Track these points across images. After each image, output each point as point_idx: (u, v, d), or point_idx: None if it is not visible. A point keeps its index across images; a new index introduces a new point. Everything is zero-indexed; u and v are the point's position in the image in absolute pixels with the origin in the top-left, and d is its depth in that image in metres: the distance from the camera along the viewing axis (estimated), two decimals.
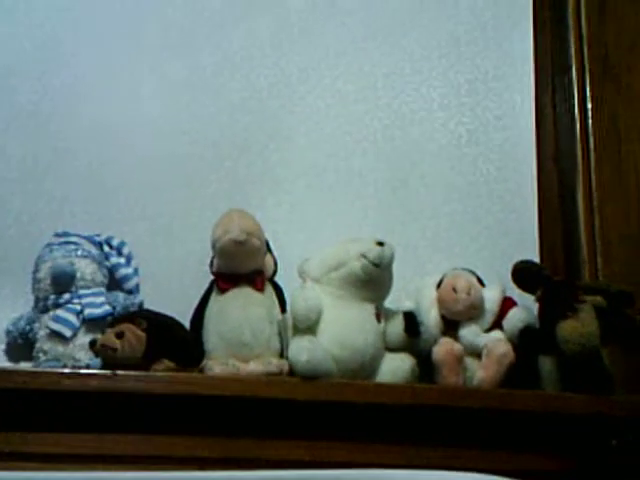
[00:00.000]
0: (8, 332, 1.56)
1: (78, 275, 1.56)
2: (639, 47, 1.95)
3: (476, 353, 1.54)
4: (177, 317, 1.54)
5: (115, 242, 1.65)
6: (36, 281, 1.57)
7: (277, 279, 1.61)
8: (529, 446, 1.50)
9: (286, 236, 1.73)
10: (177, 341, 1.50)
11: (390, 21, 1.95)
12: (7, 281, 1.64)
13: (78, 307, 1.54)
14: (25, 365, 1.53)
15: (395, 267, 1.57)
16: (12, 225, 1.70)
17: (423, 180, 1.86)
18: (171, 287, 1.68)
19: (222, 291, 1.54)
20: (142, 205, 1.75)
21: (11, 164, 1.75)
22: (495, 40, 1.98)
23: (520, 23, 2.00)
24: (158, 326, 1.48)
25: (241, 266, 1.54)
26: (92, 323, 1.54)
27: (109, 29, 1.87)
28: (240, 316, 1.51)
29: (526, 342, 1.54)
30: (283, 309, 1.57)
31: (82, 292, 1.56)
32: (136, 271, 1.65)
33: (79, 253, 1.59)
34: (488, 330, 1.57)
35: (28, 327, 1.55)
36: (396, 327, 1.55)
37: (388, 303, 1.60)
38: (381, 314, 1.56)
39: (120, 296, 1.59)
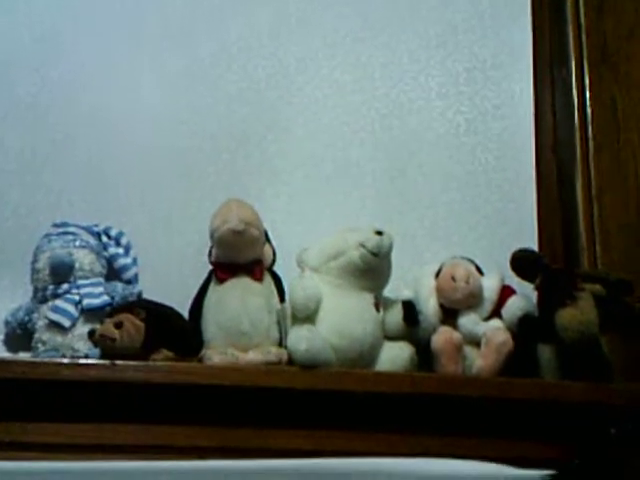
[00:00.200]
0: (7, 323, 1.56)
1: (77, 265, 1.56)
2: (637, 36, 1.94)
3: (475, 342, 1.54)
4: (176, 307, 1.54)
5: (113, 232, 1.65)
6: (35, 272, 1.57)
7: (276, 269, 1.61)
8: (528, 434, 1.50)
9: (285, 226, 1.73)
10: (176, 331, 1.50)
11: (388, 11, 1.95)
12: (6, 272, 1.64)
13: (77, 297, 1.54)
14: (24, 355, 1.53)
15: (394, 256, 1.57)
16: (10, 216, 1.70)
17: (421, 169, 1.86)
18: (170, 277, 1.68)
19: (221, 281, 1.54)
20: (140, 195, 1.75)
21: (9, 156, 1.75)
22: (493, 29, 1.98)
23: (518, 11, 2.00)
24: (157, 316, 1.48)
25: (240, 256, 1.53)
26: (91, 313, 1.54)
27: (108, 21, 1.87)
28: (239, 306, 1.51)
29: (525, 330, 1.54)
30: (282, 299, 1.57)
31: (81, 282, 1.56)
32: (135, 261, 1.65)
33: (77, 243, 1.59)
34: (487, 319, 1.57)
35: (27, 317, 1.55)
36: (395, 316, 1.55)
37: (387, 292, 1.60)
38: (380, 303, 1.56)
39: (119, 286, 1.59)
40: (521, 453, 1.48)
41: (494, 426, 1.49)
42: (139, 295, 1.61)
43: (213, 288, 1.55)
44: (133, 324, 1.45)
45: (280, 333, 1.53)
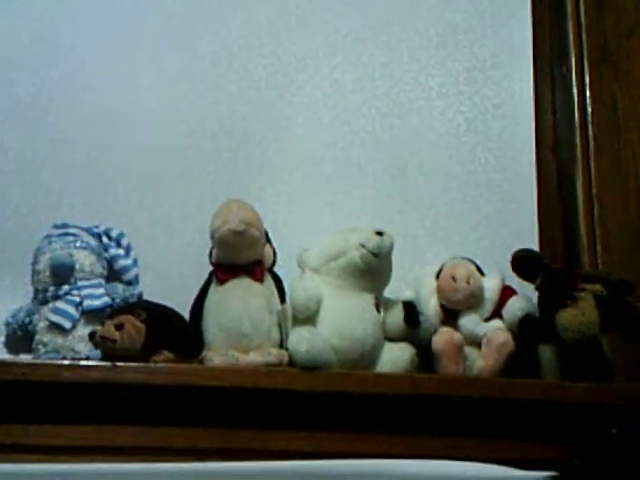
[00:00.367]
0: (7, 324, 1.56)
1: (77, 267, 1.56)
2: (638, 34, 1.94)
3: (476, 342, 1.54)
4: (176, 308, 1.53)
5: (114, 233, 1.65)
6: (35, 273, 1.57)
7: (276, 269, 1.60)
8: (529, 435, 1.50)
9: (285, 226, 1.73)
10: (176, 332, 1.50)
11: (388, 10, 1.95)
12: (6, 273, 1.64)
13: (77, 299, 1.54)
14: (25, 357, 1.53)
15: (394, 257, 1.57)
16: (11, 217, 1.70)
17: (422, 169, 1.86)
18: (170, 278, 1.68)
19: (221, 282, 1.54)
20: (141, 196, 1.75)
21: (9, 156, 1.75)
22: (493, 28, 1.98)
23: (518, 11, 1.99)
24: (157, 317, 1.48)
25: (240, 256, 1.53)
26: (91, 315, 1.54)
27: (107, 21, 1.87)
28: (239, 307, 1.51)
29: (526, 331, 1.54)
30: (282, 299, 1.56)
31: (81, 284, 1.56)
32: (135, 262, 1.65)
33: (78, 245, 1.59)
34: (488, 319, 1.57)
35: (27, 319, 1.55)
36: (395, 317, 1.55)
37: (387, 293, 1.60)
38: (380, 304, 1.56)
39: (119, 287, 1.59)
40: (522, 454, 1.48)
41: (495, 427, 1.49)
42: (140, 296, 1.61)
43: (214, 289, 1.55)
44: (134, 325, 1.44)
45: (281, 334, 1.53)
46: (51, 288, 1.55)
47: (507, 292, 1.59)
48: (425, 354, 1.54)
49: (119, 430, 1.41)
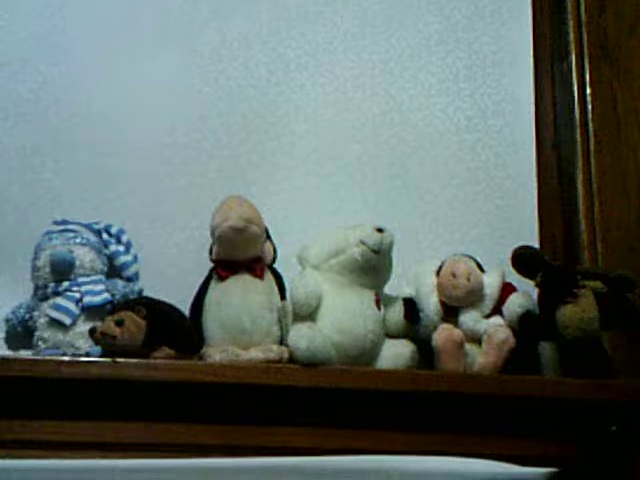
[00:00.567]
0: (8, 320, 1.56)
1: (77, 263, 1.56)
2: (638, 32, 1.94)
3: (476, 339, 1.54)
4: (177, 304, 1.53)
5: (114, 230, 1.65)
6: (35, 269, 1.57)
7: (276, 266, 1.60)
8: (529, 431, 1.50)
9: (285, 223, 1.73)
10: (177, 329, 1.50)
11: (388, 7, 1.95)
12: (6, 269, 1.64)
13: (77, 295, 1.54)
14: (25, 353, 1.53)
15: (394, 253, 1.57)
16: (11, 213, 1.69)
17: (422, 166, 1.86)
18: (171, 274, 1.68)
19: (221, 278, 1.54)
20: (141, 193, 1.75)
21: (10, 153, 1.75)
22: (494, 25, 1.98)
23: (519, 8, 1.99)
24: (158, 314, 1.48)
25: (240, 253, 1.53)
26: (92, 311, 1.53)
27: (108, 18, 1.87)
28: (240, 303, 1.51)
29: (526, 328, 1.54)
30: (283, 296, 1.56)
31: (81, 280, 1.56)
32: (135, 258, 1.65)
33: (78, 241, 1.59)
34: (488, 316, 1.56)
35: (28, 315, 1.55)
36: (396, 313, 1.56)
37: (388, 289, 1.60)
38: (381, 300, 1.56)
39: (119, 284, 1.59)
40: (522, 450, 1.48)
41: (495, 423, 1.49)
42: (140, 293, 1.61)
43: (214, 286, 1.55)
44: (134, 322, 1.44)
45: (281, 331, 1.53)
46: (51, 284, 1.55)
47: (507, 289, 1.59)
48: (425, 351, 1.54)
49: (119, 426, 1.41)
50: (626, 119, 1.88)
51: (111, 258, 1.63)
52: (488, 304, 1.57)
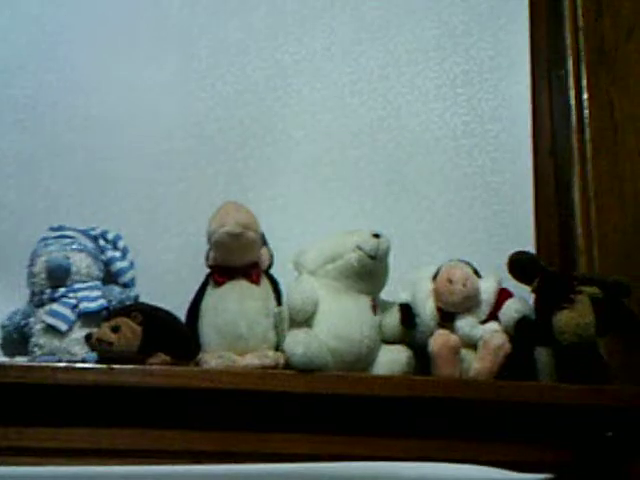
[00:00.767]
0: (3, 326, 1.56)
1: (73, 269, 1.56)
2: (635, 37, 1.93)
3: (472, 344, 1.54)
4: (173, 310, 1.53)
5: (110, 236, 1.65)
6: (31, 275, 1.57)
7: (273, 271, 1.60)
8: (525, 437, 1.50)
9: (282, 228, 1.72)
10: (173, 334, 1.50)
11: (385, 13, 1.95)
12: (2, 275, 1.64)
13: (73, 301, 1.54)
14: (21, 359, 1.53)
15: (391, 259, 1.57)
16: (7, 219, 1.70)
17: (419, 172, 1.86)
18: (167, 280, 1.68)
19: (218, 284, 1.54)
20: (138, 198, 1.75)
21: (7, 159, 1.75)
22: (491, 31, 1.98)
23: (516, 13, 1.99)
24: (154, 320, 1.48)
25: (237, 259, 1.53)
26: (88, 317, 1.53)
27: (104, 24, 1.87)
28: (236, 309, 1.51)
29: (522, 333, 1.53)
30: (279, 302, 1.56)
31: (77, 286, 1.55)
32: (131, 264, 1.65)
33: (74, 247, 1.58)
34: (484, 321, 1.56)
35: (23, 321, 1.55)
36: (392, 319, 1.56)
37: (384, 295, 1.60)
38: (377, 306, 1.56)
39: (116, 290, 1.59)
40: (518, 456, 1.48)
41: (491, 429, 1.49)
42: (136, 299, 1.61)
43: (210, 291, 1.55)
44: (130, 328, 1.44)
45: (277, 336, 1.53)
46: (47, 290, 1.55)
47: (504, 294, 1.59)
48: (422, 356, 1.54)
49: (115, 432, 1.41)
50: (623, 125, 1.88)
51: (107, 264, 1.63)
52: (484, 310, 1.57)
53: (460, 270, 1.58)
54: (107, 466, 1.35)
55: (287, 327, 1.52)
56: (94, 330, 1.46)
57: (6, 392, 1.38)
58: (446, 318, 1.57)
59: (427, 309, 1.57)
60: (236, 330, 1.49)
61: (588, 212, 1.81)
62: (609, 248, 1.78)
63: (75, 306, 1.53)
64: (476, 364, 1.53)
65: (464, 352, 1.53)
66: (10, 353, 1.57)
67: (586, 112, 1.89)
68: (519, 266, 1.58)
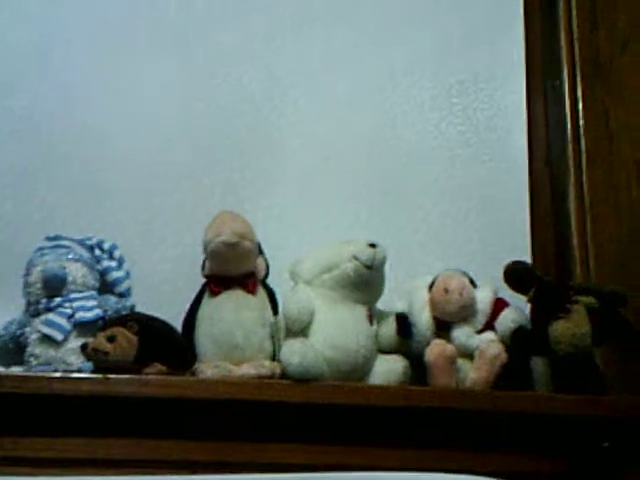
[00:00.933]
0: None
1: (69, 279, 1.56)
2: (630, 48, 1.94)
3: (468, 354, 1.54)
4: (169, 320, 1.53)
5: (106, 245, 1.65)
6: (27, 285, 1.56)
7: (269, 281, 1.60)
8: (521, 447, 1.50)
9: (278, 238, 1.73)
10: (169, 344, 1.49)
11: (380, 23, 1.95)
12: None
13: (69, 311, 1.53)
14: (16, 369, 1.52)
15: (387, 269, 1.57)
16: (3, 229, 1.69)
17: (415, 182, 1.86)
18: (163, 290, 1.68)
19: (214, 294, 1.53)
20: (134, 208, 1.75)
21: (2, 168, 1.75)
22: (486, 41, 1.99)
23: (511, 24, 2.00)
24: (150, 329, 1.48)
25: (233, 269, 1.53)
26: (83, 327, 1.53)
27: (101, 34, 1.87)
28: (232, 319, 1.51)
29: (518, 343, 1.54)
30: (275, 311, 1.56)
31: (73, 296, 1.55)
32: (128, 274, 1.65)
33: (70, 257, 1.58)
34: (480, 331, 1.56)
35: (19, 331, 1.54)
36: (388, 329, 1.56)
37: (380, 305, 1.60)
38: (373, 316, 1.56)
39: (111, 299, 1.59)
40: (514, 466, 1.47)
41: (487, 439, 1.49)
42: (132, 308, 1.61)
43: (206, 301, 1.54)
44: (126, 338, 1.44)
45: (273, 346, 1.53)
46: (43, 300, 1.55)
47: (500, 304, 1.59)
48: (418, 366, 1.54)
49: (111, 442, 1.41)
50: (618, 134, 1.88)
51: (103, 274, 1.63)
52: (480, 319, 1.57)
53: (456, 280, 1.58)
54: (103, 476, 1.34)
55: (283, 337, 1.52)
56: (90, 340, 1.46)
57: (2, 402, 1.38)
58: (442, 328, 1.57)
59: (423, 319, 1.57)
60: (232, 340, 1.49)
61: (584, 222, 1.82)
62: (605, 258, 1.78)
63: (71, 316, 1.53)
64: (472, 374, 1.52)
65: (460, 362, 1.53)
66: (6, 363, 1.56)
67: (581, 122, 1.89)
68: (515, 276, 1.58)
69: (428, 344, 1.53)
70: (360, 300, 1.55)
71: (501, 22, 2.01)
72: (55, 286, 1.55)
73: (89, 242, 1.64)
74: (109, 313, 1.56)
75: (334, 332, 1.51)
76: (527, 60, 1.99)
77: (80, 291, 1.57)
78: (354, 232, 1.72)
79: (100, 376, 1.40)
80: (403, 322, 1.56)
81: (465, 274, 1.61)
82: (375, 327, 1.55)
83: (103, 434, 1.41)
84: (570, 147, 1.88)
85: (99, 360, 1.43)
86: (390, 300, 1.62)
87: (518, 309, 1.58)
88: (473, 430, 1.49)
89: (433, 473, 1.37)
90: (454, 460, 1.46)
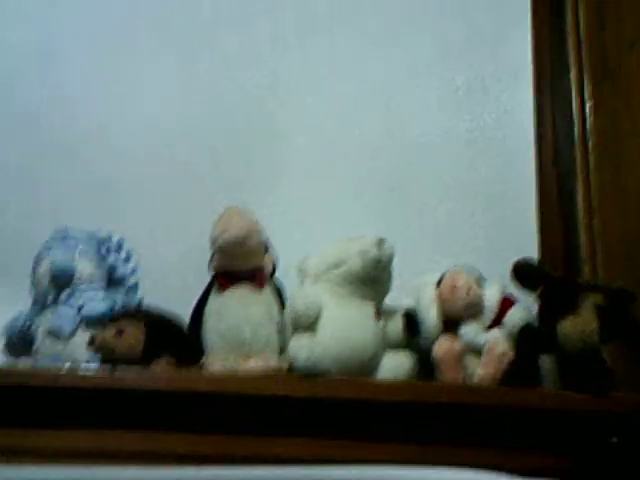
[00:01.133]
0: (6, 330, 1.56)
1: (77, 273, 1.56)
2: (638, 48, 1.94)
3: (476, 351, 1.54)
4: (177, 315, 1.54)
5: (114, 240, 1.65)
6: (35, 279, 1.57)
7: (276, 277, 1.60)
8: (528, 444, 1.48)
9: (285, 234, 1.73)
10: (176, 339, 1.50)
11: (386, 23, 1.96)
12: (6, 279, 1.64)
13: (77, 305, 1.54)
14: (24, 363, 1.52)
15: (394, 266, 1.57)
16: (11, 223, 1.70)
17: (421, 181, 1.86)
18: (171, 285, 1.69)
19: (222, 289, 1.54)
20: (142, 203, 1.77)
21: (10, 163, 1.75)
22: (494, 41, 1.99)
23: (519, 24, 2.00)
24: (157, 324, 1.48)
25: (240, 264, 1.53)
26: (91, 321, 1.53)
27: (105, 34, 1.89)
28: (240, 314, 1.51)
29: (526, 340, 1.53)
30: (282, 307, 1.56)
31: (81, 290, 1.56)
32: (135, 269, 1.65)
33: (78, 251, 1.59)
34: (488, 328, 1.56)
35: (27, 325, 1.54)
36: (396, 325, 1.55)
37: (388, 301, 1.60)
38: (381, 312, 1.56)
39: (119, 294, 1.59)
40: (522, 462, 1.46)
41: (495, 435, 1.48)
42: (139, 303, 1.61)
43: (214, 296, 1.55)
44: (133, 332, 1.44)
45: (281, 342, 1.53)
46: (51, 294, 1.55)
47: (507, 302, 1.58)
48: (426, 363, 1.54)
49: (118, 436, 1.40)
50: (626, 135, 1.88)
51: (111, 268, 1.63)
52: (488, 316, 1.56)
53: (464, 277, 1.58)
54: (110, 469, 1.34)
55: (290, 332, 1.51)
56: (97, 334, 1.46)
57: (10, 395, 1.38)
58: (450, 325, 1.56)
59: (431, 316, 1.56)
60: (240, 335, 1.49)
61: (591, 222, 1.81)
62: (613, 256, 1.78)
63: (78, 310, 1.53)
64: (480, 370, 1.52)
65: (468, 359, 1.53)
66: (14, 356, 1.56)
67: (589, 122, 1.89)
68: (523, 273, 1.57)
69: (435, 341, 1.53)
70: (368, 296, 1.55)
71: (508, 22, 2.01)
72: (63, 280, 1.55)
73: (97, 236, 1.64)
74: (116, 307, 1.56)
75: (341, 328, 1.50)
76: (535, 60, 1.99)
77: (88, 285, 1.57)
78: (360, 229, 1.70)
79: (107, 370, 1.40)
80: (410, 319, 1.55)
81: (473, 271, 1.60)
82: (382, 324, 1.55)
83: (110, 427, 1.40)
84: (578, 147, 1.88)
85: (106, 354, 1.43)
86: (397, 297, 1.61)
87: (526, 306, 1.58)
88: (480, 426, 1.48)
89: (438, 468, 1.37)
90: (461, 455, 1.45)
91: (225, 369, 1.45)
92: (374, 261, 1.52)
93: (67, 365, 1.46)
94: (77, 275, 1.56)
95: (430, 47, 1.95)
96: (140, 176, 1.77)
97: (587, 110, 1.90)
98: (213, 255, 1.55)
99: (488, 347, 1.52)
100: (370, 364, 1.51)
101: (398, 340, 1.55)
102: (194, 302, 1.56)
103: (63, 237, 1.60)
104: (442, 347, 1.52)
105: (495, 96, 1.95)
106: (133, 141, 1.80)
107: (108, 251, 1.64)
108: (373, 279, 1.54)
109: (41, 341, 1.52)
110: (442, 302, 1.56)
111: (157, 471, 1.34)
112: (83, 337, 1.50)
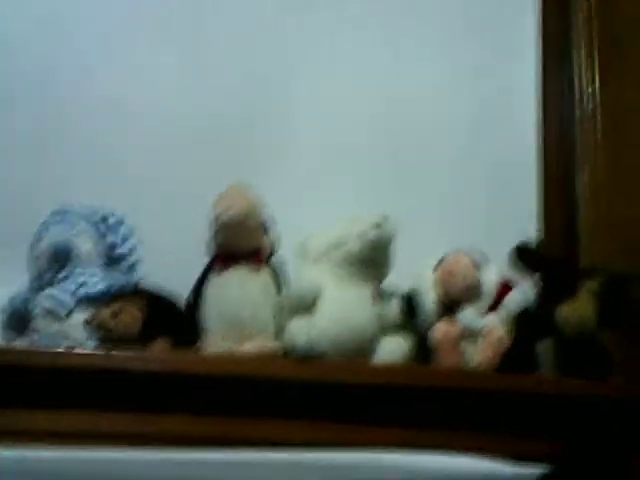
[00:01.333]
0: (3, 310, 1.55)
1: (75, 252, 1.55)
2: None
3: (474, 335, 1.54)
4: (175, 295, 1.54)
5: (114, 219, 1.63)
6: (33, 259, 1.56)
7: (276, 258, 1.60)
8: (526, 429, 1.49)
9: (286, 215, 1.70)
10: (174, 320, 1.50)
11: (390, 5, 1.94)
12: (3, 259, 1.64)
13: (74, 285, 1.52)
14: (20, 343, 1.52)
15: (394, 249, 1.56)
16: (10, 202, 1.70)
17: (424, 162, 1.86)
18: (170, 265, 1.67)
19: (221, 270, 1.53)
20: (143, 181, 1.76)
21: (15, 137, 1.75)
22: (501, 19, 1.99)
23: (526, 5, 1.98)
24: (155, 304, 1.48)
25: (240, 244, 1.53)
26: (88, 301, 1.52)
27: (110, 5, 1.87)
28: (238, 295, 1.51)
29: (524, 325, 1.53)
30: (281, 289, 1.56)
31: (79, 270, 1.55)
32: (134, 249, 1.63)
33: (77, 230, 1.58)
34: (486, 313, 1.56)
35: (23, 305, 1.53)
36: (394, 308, 1.55)
37: (386, 285, 1.59)
38: (379, 295, 1.56)
39: (117, 274, 1.58)
40: (519, 448, 1.46)
41: (491, 421, 1.48)
42: (138, 283, 1.60)
43: (213, 277, 1.54)
44: (130, 313, 1.44)
45: (279, 324, 1.52)
46: (48, 274, 1.54)
47: (506, 286, 1.58)
48: (423, 347, 1.54)
49: (114, 417, 1.40)
50: (632, 115, 1.86)
51: (109, 248, 1.61)
52: (486, 301, 1.56)
53: (462, 261, 1.57)
54: (106, 450, 1.34)
55: (289, 314, 1.51)
56: (94, 314, 1.46)
57: (5, 375, 1.38)
58: (448, 309, 1.56)
59: (429, 299, 1.56)
60: (238, 317, 1.49)
61: (593, 204, 1.80)
62: (614, 240, 1.77)
63: (76, 290, 1.53)
64: (477, 355, 1.52)
65: (465, 343, 1.53)
66: (10, 337, 1.56)
67: (595, 102, 1.88)
68: (522, 257, 1.57)
69: (433, 324, 1.53)
70: (367, 278, 1.54)
71: (516, 2, 1.99)
72: (61, 260, 1.54)
73: (96, 216, 1.61)
74: (114, 288, 1.55)
75: (340, 310, 1.50)
76: (543, 37, 1.98)
77: (86, 265, 1.56)
78: (361, 210, 1.70)
79: (104, 351, 1.40)
80: (409, 302, 1.55)
81: (472, 255, 1.60)
82: (381, 307, 1.55)
83: (106, 408, 1.40)
84: (583, 126, 1.87)
85: (103, 335, 1.43)
86: (396, 280, 1.61)
87: (524, 291, 1.57)
88: (476, 410, 1.48)
89: (434, 452, 1.37)
90: (458, 440, 1.45)
91: (222, 351, 1.45)
92: (373, 242, 1.52)
93: (64, 345, 1.45)
94: (75, 255, 1.55)
95: (433, 28, 1.94)
96: (143, 154, 1.77)
97: (593, 92, 1.89)
98: (214, 234, 1.54)
99: (486, 332, 1.52)
100: (368, 346, 1.51)
101: (396, 324, 1.55)
102: (193, 283, 1.55)
103: (62, 217, 1.59)
104: (440, 330, 1.52)
105: (500, 73, 1.94)
106: (138, 116, 1.79)
107: (108, 229, 1.63)
108: (372, 261, 1.54)
109: (38, 322, 1.51)
110: (440, 286, 1.56)
111: (153, 453, 1.34)
112: (80, 318, 1.49)
